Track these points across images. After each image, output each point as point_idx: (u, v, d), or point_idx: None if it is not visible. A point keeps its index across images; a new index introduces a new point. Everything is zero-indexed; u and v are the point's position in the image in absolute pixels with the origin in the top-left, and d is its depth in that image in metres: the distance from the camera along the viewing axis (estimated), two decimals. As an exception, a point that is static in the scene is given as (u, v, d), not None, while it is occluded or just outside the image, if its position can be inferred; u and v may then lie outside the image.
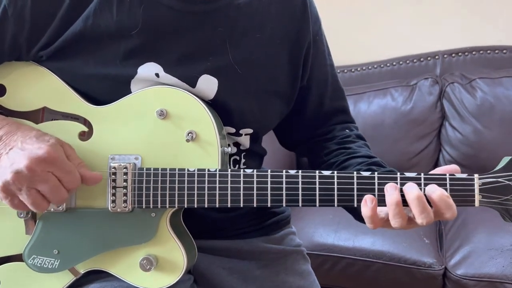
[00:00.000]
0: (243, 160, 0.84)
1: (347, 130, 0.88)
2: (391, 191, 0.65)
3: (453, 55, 1.94)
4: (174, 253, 0.70)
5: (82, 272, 0.71)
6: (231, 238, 0.85)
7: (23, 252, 0.70)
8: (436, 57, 1.96)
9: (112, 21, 0.69)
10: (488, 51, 1.89)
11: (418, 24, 2.00)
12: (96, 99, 0.71)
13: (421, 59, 1.98)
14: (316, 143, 0.88)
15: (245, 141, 0.81)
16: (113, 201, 0.69)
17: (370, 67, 2.04)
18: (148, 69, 0.71)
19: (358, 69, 2.06)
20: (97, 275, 0.73)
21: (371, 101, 1.89)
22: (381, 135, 1.82)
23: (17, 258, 0.71)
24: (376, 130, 1.83)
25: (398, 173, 0.69)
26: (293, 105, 0.85)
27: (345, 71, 2.07)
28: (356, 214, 0.77)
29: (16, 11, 0.68)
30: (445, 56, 1.95)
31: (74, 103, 0.71)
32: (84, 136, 0.71)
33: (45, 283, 0.71)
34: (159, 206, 0.69)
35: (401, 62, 2.01)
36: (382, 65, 2.02)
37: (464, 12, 1.94)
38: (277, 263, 0.88)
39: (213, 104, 0.74)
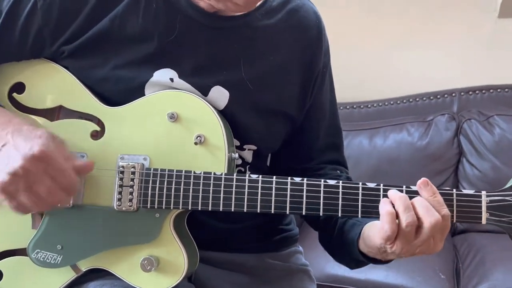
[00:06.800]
0: (248, 173, 0.84)
1: (338, 171, 0.87)
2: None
3: (470, 92, 1.94)
4: (176, 256, 0.70)
5: (84, 270, 0.71)
6: (236, 251, 0.84)
7: (28, 246, 0.71)
8: (453, 94, 1.96)
9: (137, 24, 0.73)
10: (506, 89, 1.89)
11: (435, 62, 2.02)
12: (111, 100, 0.74)
13: (438, 96, 1.98)
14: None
15: (247, 155, 0.82)
16: (119, 199, 0.70)
17: (386, 103, 2.05)
18: (164, 74, 0.74)
19: (375, 105, 2.07)
20: (98, 274, 0.72)
21: (387, 136, 1.89)
22: (397, 170, 1.80)
23: (23, 252, 0.72)
24: (392, 164, 1.82)
25: (404, 186, 0.69)
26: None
27: (362, 106, 2.08)
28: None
29: (45, 4, 0.71)
30: (462, 93, 1.95)
31: (90, 103, 0.73)
32: (96, 135, 0.73)
33: (46, 278, 0.71)
34: (163, 207, 0.69)
35: (417, 99, 2.01)
36: (398, 102, 2.03)
37: (481, 50, 1.96)
38: (281, 281, 0.86)
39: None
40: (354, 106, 2.08)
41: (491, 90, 1.92)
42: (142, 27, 0.73)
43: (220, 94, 0.75)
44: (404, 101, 2.03)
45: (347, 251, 0.74)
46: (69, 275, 0.71)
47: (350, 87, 1.91)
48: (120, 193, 0.70)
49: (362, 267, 0.77)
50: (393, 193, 0.66)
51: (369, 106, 2.08)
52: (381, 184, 0.69)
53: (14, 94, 0.74)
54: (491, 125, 1.78)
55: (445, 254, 1.56)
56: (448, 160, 1.80)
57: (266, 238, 0.87)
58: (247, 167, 0.84)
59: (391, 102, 2.04)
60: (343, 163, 0.90)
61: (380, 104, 2.06)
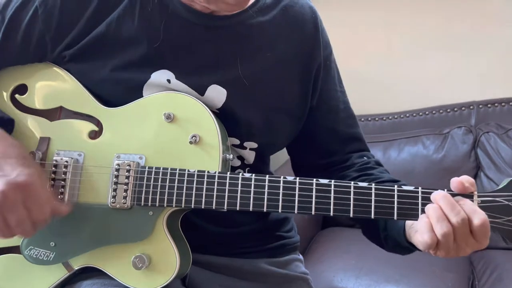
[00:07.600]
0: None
1: (365, 158, 0.86)
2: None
3: (489, 105, 1.89)
4: (168, 255, 0.70)
5: (76, 268, 0.72)
6: (232, 256, 0.84)
7: (21, 243, 0.72)
8: (471, 107, 1.92)
9: (133, 28, 0.75)
10: (526, 102, 1.84)
11: (452, 74, 1.99)
12: (110, 101, 0.75)
13: (455, 109, 1.94)
14: (334, 173, 0.86)
15: (249, 155, 0.81)
16: (114, 197, 0.71)
17: (402, 116, 2.02)
18: (161, 75, 0.75)
19: (390, 117, 2.04)
20: (89, 274, 0.73)
21: (402, 148, 1.85)
22: (412, 183, 1.73)
23: (16, 250, 0.73)
24: (406, 178, 1.75)
25: (396, 186, 0.69)
26: (305, 127, 0.85)
27: (376, 119, 2.05)
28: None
29: (46, 10, 0.73)
30: (480, 106, 1.91)
31: (89, 104, 0.75)
32: (94, 135, 0.74)
33: (39, 276, 0.72)
34: (157, 204, 0.70)
35: (434, 112, 1.97)
36: (414, 114, 2.00)
37: (500, 62, 1.92)
38: (279, 287, 0.84)
39: (220, 113, 0.76)
40: (369, 119, 2.06)
41: (510, 103, 1.87)
42: (137, 30, 0.74)
43: (217, 93, 0.76)
44: (420, 113, 1.99)
45: (396, 245, 0.74)
46: (61, 273, 0.72)
47: (365, 100, 1.89)
48: (115, 190, 0.71)
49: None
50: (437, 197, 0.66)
51: (384, 118, 2.05)
52: (373, 184, 0.68)
53: (16, 96, 0.77)
54: (510, 138, 1.73)
55: (461, 270, 1.51)
56: (465, 173, 1.70)
57: (263, 243, 0.86)
58: (247, 169, 0.83)
59: (407, 115, 2.01)
60: (367, 150, 0.89)
61: (395, 116, 2.03)
